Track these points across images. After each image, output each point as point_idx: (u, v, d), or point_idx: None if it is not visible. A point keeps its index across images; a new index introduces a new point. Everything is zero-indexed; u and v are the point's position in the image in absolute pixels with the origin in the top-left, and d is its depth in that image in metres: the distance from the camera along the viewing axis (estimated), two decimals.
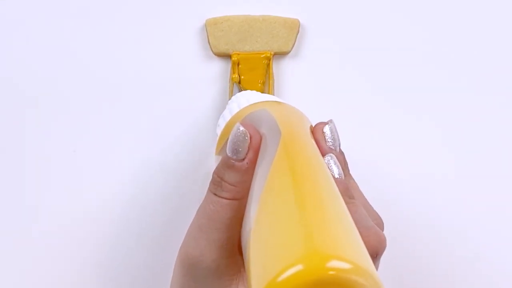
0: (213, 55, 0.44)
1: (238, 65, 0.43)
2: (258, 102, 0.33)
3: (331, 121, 0.32)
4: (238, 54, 0.43)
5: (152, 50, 0.44)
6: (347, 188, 0.29)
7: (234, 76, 0.42)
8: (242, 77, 0.43)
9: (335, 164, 0.29)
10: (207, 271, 0.29)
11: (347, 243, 0.21)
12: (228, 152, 0.29)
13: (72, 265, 0.43)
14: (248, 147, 0.29)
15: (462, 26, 0.44)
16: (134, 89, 0.44)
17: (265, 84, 0.42)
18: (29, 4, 0.44)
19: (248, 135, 0.29)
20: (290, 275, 0.20)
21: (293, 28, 0.43)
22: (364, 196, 0.31)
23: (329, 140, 0.31)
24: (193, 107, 0.44)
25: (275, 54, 0.43)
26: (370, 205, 0.30)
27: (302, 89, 0.44)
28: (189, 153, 0.43)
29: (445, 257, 0.43)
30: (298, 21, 0.43)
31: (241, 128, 0.29)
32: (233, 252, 0.29)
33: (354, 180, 0.31)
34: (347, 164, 0.31)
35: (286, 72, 0.44)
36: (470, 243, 0.43)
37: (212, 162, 0.42)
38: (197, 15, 0.44)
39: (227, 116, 0.34)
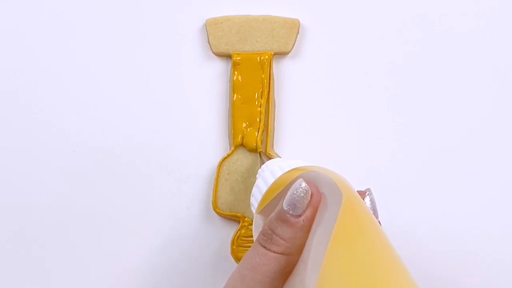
0: (213, 55, 0.44)
1: (238, 65, 0.43)
2: (302, 166, 0.33)
3: (369, 191, 0.32)
4: (238, 54, 0.43)
5: (152, 50, 0.44)
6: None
7: (235, 78, 0.42)
8: (242, 77, 0.43)
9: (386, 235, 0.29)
10: None
11: None
12: (285, 205, 0.29)
13: (71, 264, 0.43)
14: (307, 204, 0.29)
15: (462, 26, 0.44)
16: (134, 89, 0.44)
17: (265, 84, 0.42)
18: (30, 4, 0.44)
19: (310, 192, 0.29)
20: None
21: (293, 28, 0.43)
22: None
23: (371, 210, 0.31)
24: (193, 107, 0.44)
25: (275, 54, 0.43)
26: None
27: (302, 89, 0.44)
28: (189, 152, 0.43)
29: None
30: (298, 21, 0.43)
31: (303, 184, 0.29)
32: None
33: None
34: None
35: (286, 72, 0.44)
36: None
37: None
38: (197, 15, 0.44)
39: (269, 178, 0.33)
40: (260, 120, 0.42)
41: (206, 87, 0.44)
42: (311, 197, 0.29)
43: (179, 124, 0.43)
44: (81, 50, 0.44)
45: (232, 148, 0.43)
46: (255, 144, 0.42)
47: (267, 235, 0.29)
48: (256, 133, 0.42)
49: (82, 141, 0.43)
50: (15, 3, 0.44)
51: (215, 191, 0.42)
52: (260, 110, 0.42)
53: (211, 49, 0.43)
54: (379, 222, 0.31)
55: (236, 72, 0.43)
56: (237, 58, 0.43)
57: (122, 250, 0.43)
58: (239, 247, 0.42)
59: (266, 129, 0.42)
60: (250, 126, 0.42)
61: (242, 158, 0.42)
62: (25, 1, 0.44)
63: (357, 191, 0.32)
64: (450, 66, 0.44)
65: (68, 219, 0.43)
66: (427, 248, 0.43)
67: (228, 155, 0.42)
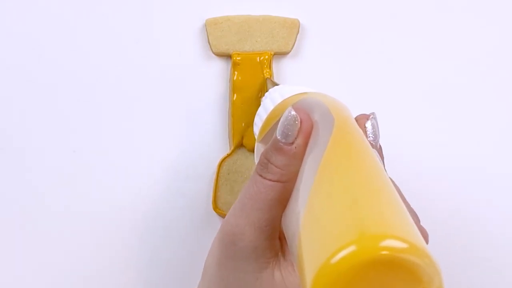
0: (213, 55, 0.44)
1: (238, 65, 0.43)
2: (302, 92, 0.33)
3: (373, 115, 0.32)
4: (238, 54, 0.43)
5: (152, 50, 0.44)
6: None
7: (235, 77, 0.42)
8: (242, 77, 0.43)
9: (379, 160, 0.29)
10: (245, 251, 0.29)
11: (401, 224, 0.21)
12: (278, 134, 0.29)
13: (72, 264, 0.43)
14: (298, 132, 0.29)
15: (463, 26, 0.44)
16: (134, 89, 0.44)
17: (265, 84, 0.42)
18: (30, 4, 0.44)
19: (299, 120, 0.29)
20: (343, 256, 0.20)
21: (293, 28, 0.43)
22: (402, 194, 0.31)
23: (370, 135, 0.31)
24: (193, 107, 0.44)
25: (275, 54, 0.43)
26: (408, 202, 0.31)
27: None
28: (190, 152, 0.43)
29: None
30: (298, 21, 0.43)
31: (292, 112, 0.29)
32: (272, 235, 0.29)
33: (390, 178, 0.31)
34: (384, 161, 0.31)
35: (286, 72, 0.44)
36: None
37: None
38: (197, 15, 0.44)
39: (269, 105, 0.33)
40: None
41: (206, 87, 0.44)
42: (300, 124, 0.29)
43: (179, 124, 0.43)
44: (81, 50, 0.44)
45: (232, 148, 0.43)
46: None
47: (263, 164, 0.29)
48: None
49: (82, 141, 0.43)
50: (15, 3, 0.44)
51: (215, 191, 0.42)
52: None
53: (211, 49, 0.43)
54: (380, 146, 0.31)
55: (236, 72, 0.43)
56: (237, 58, 0.43)
57: (122, 250, 0.43)
58: None
59: None
60: (250, 126, 0.42)
61: (242, 158, 0.42)
62: (26, 2, 0.44)
63: (361, 115, 0.32)
64: (450, 65, 0.44)
65: (68, 219, 0.43)
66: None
67: (228, 155, 0.42)
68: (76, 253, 0.43)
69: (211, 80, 0.44)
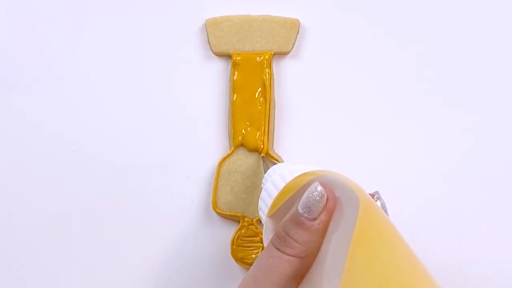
0: (213, 55, 0.44)
1: (238, 65, 0.43)
2: (314, 170, 0.32)
3: (378, 194, 0.32)
4: (238, 54, 0.43)
5: (152, 50, 0.44)
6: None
7: (235, 79, 0.42)
8: (242, 77, 0.43)
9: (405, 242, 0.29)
10: None
11: None
12: (301, 208, 0.29)
13: (71, 264, 0.43)
14: (323, 208, 0.29)
15: (464, 27, 0.44)
16: (134, 89, 0.44)
17: (265, 84, 0.42)
18: (31, 3, 0.44)
19: (325, 196, 0.29)
20: None
21: (293, 28, 0.43)
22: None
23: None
24: (193, 107, 0.44)
25: (275, 54, 0.43)
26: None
27: (302, 89, 0.44)
28: (190, 152, 0.43)
29: None
30: (298, 21, 0.43)
31: (319, 188, 0.29)
32: None
33: None
34: None
35: (286, 72, 0.44)
36: None
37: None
38: (197, 15, 0.44)
39: (279, 183, 0.33)
40: (262, 120, 0.42)
41: (206, 87, 0.44)
42: (326, 201, 0.29)
43: (179, 124, 0.43)
44: (81, 50, 0.44)
45: (232, 148, 0.43)
46: (261, 146, 0.42)
47: (282, 237, 0.29)
48: (257, 133, 0.42)
49: (82, 141, 0.43)
50: (15, 3, 0.44)
51: (215, 191, 0.42)
52: (263, 111, 0.42)
53: (211, 49, 0.43)
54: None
55: (236, 72, 0.43)
56: (237, 58, 0.43)
57: (122, 250, 0.43)
58: (239, 247, 0.42)
59: (267, 129, 0.42)
60: (250, 126, 0.42)
61: (242, 158, 0.42)
62: (24, 1, 0.44)
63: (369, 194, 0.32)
64: (450, 65, 0.44)
65: (68, 218, 0.43)
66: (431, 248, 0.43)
67: (228, 155, 0.42)
68: (75, 253, 0.43)
69: (211, 80, 0.44)
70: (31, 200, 0.43)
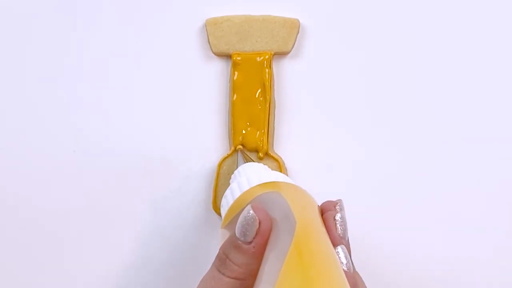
0: (213, 55, 0.44)
1: (238, 65, 0.43)
2: (269, 182, 0.33)
3: (340, 203, 0.32)
4: (238, 54, 0.43)
5: (152, 50, 0.44)
6: (355, 284, 0.29)
7: (234, 80, 0.42)
8: (242, 77, 0.43)
9: (345, 256, 0.30)
10: None
11: None
12: (236, 232, 0.29)
13: (71, 264, 0.43)
14: (256, 232, 0.29)
15: (464, 27, 0.44)
16: (134, 89, 0.44)
17: (265, 84, 0.42)
18: (31, 3, 0.44)
19: (257, 221, 0.29)
20: None
21: (293, 28, 0.43)
22: None
23: (339, 228, 0.31)
24: (193, 107, 0.44)
25: (275, 54, 0.43)
26: None
27: (302, 89, 0.44)
28: (190, 152, 0.43)
29: None
30: (298, 21, 0.43)
31: (251, 212, 0.29)
32: None
33: (358, 273, 0.31)
34: (351, 254, 0.32)
35: (286, 72, 0.44)
36: None
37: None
38: (197, 15, 0.44)
39: (235, 191, 0.33)
40: (262, 120, 0.42)
41: (206, 87, 0.44)
42: (259, 225, 0.29)
43: (179, 124, 0.43)
44: (81, 49, 0.44)
45: (232, 148, 0.43)
46: (261, 146, 0.42)
47: (222, 260, 0.30)
48: (257, 133, 0.42)
49: (82, 141, 0.43)
50: (16, 2, 0.44)
51: (215, 191, 0.42)
52: (263, 111, 0.42)
53: (211, 49, 0.43)
54: (347, 239, 0.32)
55: (236, 72, 0.43)
56: (237, 58, 0.43)
57: (122, 250, 0.43)
58: None
59: (267, 129, 0.42)
60: (250, 126, 0.42)
61: (242, 158, 0.42)
62: (26, 2, 0.44)
63: (327, 201, 0.32)
64: (450, 65, 0.44)
65: (68, 218, 0.43)
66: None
67: (228, 155, 0.42)
68: (75, 253, 0.43)
69: (211, 80, 0.44)
70: (31, 200, 0.43)
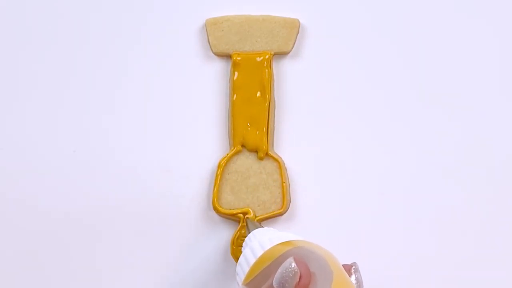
0: (213, 55, 0.44)
1: (238, 65, 0.43)
2: (291, 241, 0.33)
3: (355, 266, 0.33)
4: (238, 54, 0.43)
5: (152, 50, 0.44)
6: None
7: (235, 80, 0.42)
8: (242, 77, 0.43)
9: None
10: None
11: None
12: (275, 284, 0.29)
13: (71, 264, 0.43)
14: (296, 285, 0.29)
15: (464, 28, 0.44)
16: (134, 89, 0.44)
17: (265, 84, 0.42)
18: (31, 3, 0.44)
19: (298, 274, 0.29)
20: None
21: (293, 28, 0.43)
22: None
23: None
24: (193, 107, 0.44)
25: (275, 54, 0.43)
26: None
27: (302, 89, 0.44)
28: (190, 152, 0.43)
29: None
30: (298, 21, 0.43)
31: (293, 265, 0.29)
32: None
33: None
34: None
35: (286, 72, 0.44)
36: None
37: None
38: (197, 15, 0.44)
39: (257, 250, 0.33)
40: (262, 120, 0.42)
41: (206, 87, 0.44)
42: (300, 279, 0.29)
43: (179, 124, 0.43)
44: (81, 49, 0.44)
45: (232, 148, 0.43)
46: (261, 146, 0.42)
47: None
48: (257, 133, 0.42)
49: (82, 141, 0.43)
50: (15, 3, 0.44)
51: (215, 191, 0.42)
52: (263, 111, 0.42)
53: (211, 49, 0.43)
54: None
55: (236, 72, 0.43)
56: (237, 58, 0.43)
57: (122, 250, 0.43)
58: (239, 247, 0.42)
59: (267, 129, 0.42)
60: (250, 126, 0.42)
61: (242, 158, 0.42)
62: (25, 2, 0.44)
63: (343, 265, 0.32)
64: (451, 64, 0.44)
65: (67, 218, 0.43)
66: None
67: (228, 155, 0.42)
68: (75, 253, 0.43)
69: (211, 80, 0.44)
70: (31, 200, 0.43)
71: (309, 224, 0.42)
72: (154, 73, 0.44)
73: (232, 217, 0.42)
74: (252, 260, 0.33)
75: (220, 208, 0.42)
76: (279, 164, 0.42)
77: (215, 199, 0.42)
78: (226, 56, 0.43)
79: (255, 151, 0.42)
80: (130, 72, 0.44)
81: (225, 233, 0.43)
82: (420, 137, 0.43)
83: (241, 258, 0.34)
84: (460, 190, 0.43)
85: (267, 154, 0.42)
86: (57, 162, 0.43)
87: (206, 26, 0.43)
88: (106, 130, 0.43)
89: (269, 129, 0.42)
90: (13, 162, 0.43)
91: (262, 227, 0.38)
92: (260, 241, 0.34)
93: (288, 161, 0.43)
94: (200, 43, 0.44)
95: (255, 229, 0.37)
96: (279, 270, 0.29)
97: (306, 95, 0.43)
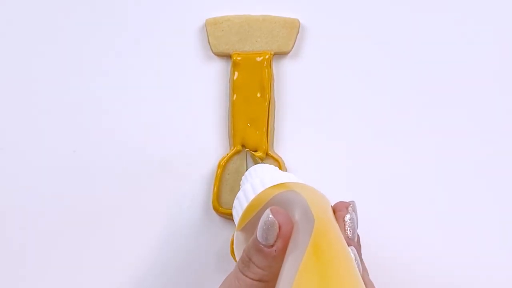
0: (213, 55, 0.44)
1: (238, 65, 0.43)
2: (283, 183, 0.33)
3: (352, 204, 0.32)
4: (238, 54, 0.43)
5: (152, 50, 0.44)
6: (365, 284, 0.29)
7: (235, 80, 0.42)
8: (242, 77, 0.43)
9: (354, 257, 0.30)
10: None
11: None
12: (258, 236, 0.30)
13: (71, 264, 0.43)
14: (277, 236, 0.29)
15: (465, 29, 0.44)
16: (134, 89, 0.44)
17: (265, 84, 0.42)
18: (31, 3, 0.44)
19: (277, 224, 0.29)
20: None
21: (293, 28, 0.43)
22: None
23: (348, 230, 0.31)
24: (193, 107, 0.44)
25: (275, 54, 0.43)
26: None
27: (302, 89, 0.44)
28: (190, 152, 0.43)
29: None
30: (298, 21, 0.43)
31: (270, 217, 0.29)
32: None
33: (368, 273, 0.32)
34: (361, 255, 0.32)
35: (286, 72, 0.44)
36: None
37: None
38: (197, 15, 0.44)
39: (249, 193, 0.33)
40: (262, 120, 0.42)
41: (206, 87, 0.44)
42: (279, 228, 0.29)
43: (179, 124, 0.43)
44: (81, 49, 0.44)
45: (232, 148, 0.43)
46: (261, 146, 0.42)
47: (245, 262, 0.30)
48: (257, 133, 0.42)
49: (82, 141, 0.43)
50: (16, 3, 0.44)
51: (215, 191, 0.42)
52: (263, 111, 0.42)
53: (211, 49, 0.43)
54: (358, 238, 0.32)
55: (236, 72, 0.43)
56: (237, 58, 0.43)
57: (122, 250, 0.43)
58: None
59: (267, 129, 0.42)
60: (251, 126, 0.42)
61: (242, 158, 0.42)
62: (25, 2, 0.44)
63: (340, 202, 0.32)
64: (451, 64, 0.44)
65: (68, 219, 0.43)
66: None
67: (228, 155, 0.42)
68: (75, 253, 0.43)
69: (211, 80, 0.44)
70: (31, 200, 0.43)
71: None
72: (154, 73, 0.44)
73: (232, 217, 0.42)
74: (245, 204, 0.33)
75: (220, 208, 0.42)
76: (279, 164, 0.42)
77: (215, 199, 0.42)
78: (226, 56, 0.43)
79: (255, 151, 0.42)
80: (130, 72, 0.44)
81: (225, 233, 0.43)
82: (421, 137, 0.43)
83: (235, 201, 0.35)
84: (460, 190, 0.43)
85: (267, 154, 0.42)
86: (57, 162, 0.43)
87: (206, 26, 0.43)
88: (106, 130, 0.43)
89: (269, 129, 0.42)
90: (13, 162, 0.43)
91: (260, 162, 0.38)
92: (253, 184, 0.34)
93: (288, 161, 0.43)
94: (200, 43, 0.44)
95: (253, 164, 0.37)
96: (259, 224, 0.30)
97: (306, 95, 0.43)
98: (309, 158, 0.43)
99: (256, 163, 0.38)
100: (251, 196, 0.33)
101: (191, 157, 0.43)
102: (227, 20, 0.43)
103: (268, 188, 0.33)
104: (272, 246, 0.29)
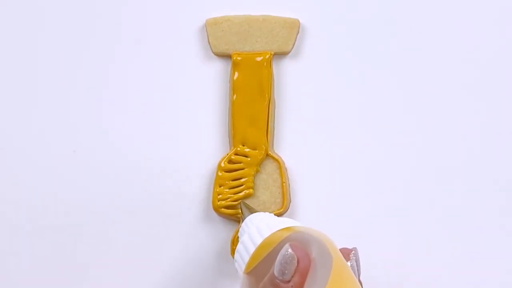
0: (213, 55, 0.44)
1: (238, 65, 0.43)
2: (290, 226, 0.33)
3: (355, 251, 0.33)
4: (238, 54, 0.43)
5: (152, 50, 0.44)
6: None
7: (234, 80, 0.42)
8: (242, 77, 0.43)
9: None
10: None
11: None
12: (275, 271, 0.30)
13: (71, 263, 0.43)
14: (295, 270, 0.29)
15: (465, 28, 0.44)
16: (134, 89, 0.44)
17: (265, 84, 0.42)
18: (31, 3, 0.44)
19: (296, 259, 0.29)
20: None
21: (293, 28, 0.43)
22: None
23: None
24: (193, 107, 0.44)
25: (275, 54, 0.43)
26: None
27: (302, 89, 0.44)
28: (190, 152, 0.43)
29: None
30: (298, 21, 0.43)
31: (290, 251, 0.29)
32: None
33: None
34: None
35: (286, 72, 0.44)
36: None
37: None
38: (197, 15, 0.44)
39: (255, 237, 0.33)
40: (262, 120, 0.42)
41: (206, 87, 0.44)
42: (298, 263, 0.29)
43: (179, 124, 0.43)
44: (81, 49, 0.44)
45: (232, 148, 0.43)
46: (261, 146, 0.42)
47: None
48: (257, 133, 0.42)
49: (82, 141, 0.43)
50: (16, 4, 0.44)
51: (215, 191, 0.42)
52: (263, 111, 0.42)
53: (211, 49, 0.43)
54: (360, 282, 0.32)
55: (236, 72, 0.43)
56: (237, 58, 0.43)
57: (122, 250, 0.43)
58: None
59: (267, 129, 0.42)
60: (251, 126, 0.42)
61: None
62: (24, 2, 0.44)
63: (343, 248, 0.33)
64: (451, 64, 0.44)
65: (68, 219, 0.43)
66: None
67: (228, 155, 0.42)
68: (75, 253, 0.43)
69: (211, 80, 0.44)
70: (31, 200, 0.43)
71: (309, 224, 0.42)
72: (154, 73, 0.44)
73: (232, 217, 0.42)
74: (252, 248, 0.33)
75: (220, 208, 0.42)
76: (279, 164, 0.42)
77: (215, 199, 0.42)
78: (226, 56, 0.43)
79: (255, 150, 0.42)
80: (130, 72, 0.44)
81: (225, 233, 0.43)
82: (421, 137, 0.43)
83: (239, 246, 0.34)
84: (461, 189, 0.43)
85: (267, 154, 0.42)
86: (57, 162, 0.43)
87: (206, 26, 0.43)
88: (106, 130, 0.43)
89: (269, 129, 0.42)
90: (13, 162, 0.43)
91: (257, 211, 0.38)
92: (258, 228, 0.33)
93: (288, 161, 0.43)
94: (200, 43, 0.44)
95: (250, 214, 0.37)
96: (278, 258, 0.30)
97: (306, 95, 0.43)
98: (309, 158, 0.43)
99: (252, 212, 0.38)
100: (259, 240, 0.33)
101: (191, 157, 0.43)
102: (227, 20, 0.43)
103: (275, 232, 0.33)
104: (288, 281, 0.29)
